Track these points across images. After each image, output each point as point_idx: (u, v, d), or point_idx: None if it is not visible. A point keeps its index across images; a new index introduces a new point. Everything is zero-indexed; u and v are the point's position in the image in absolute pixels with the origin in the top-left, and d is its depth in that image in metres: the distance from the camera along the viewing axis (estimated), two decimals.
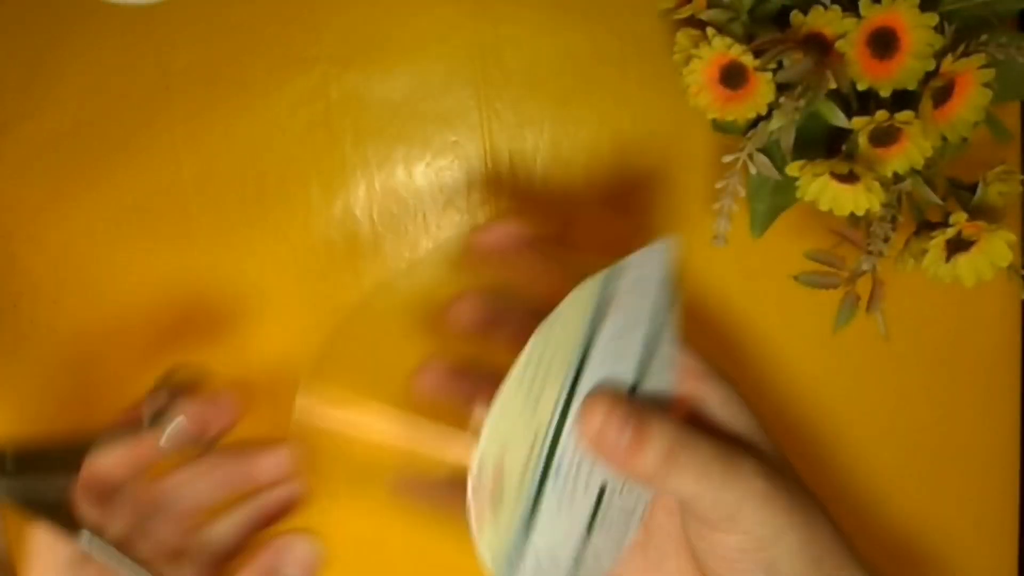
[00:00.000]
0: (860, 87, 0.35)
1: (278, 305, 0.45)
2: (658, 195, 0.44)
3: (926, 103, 0.34)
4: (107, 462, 0.33)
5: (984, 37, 0.34)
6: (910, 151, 0.35)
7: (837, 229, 0.41)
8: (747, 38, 0.37)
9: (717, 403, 0.32)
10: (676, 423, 0.30)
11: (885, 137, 0.35)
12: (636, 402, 0.30)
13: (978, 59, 0.34)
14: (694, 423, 0.31)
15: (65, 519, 0.30)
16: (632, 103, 0.43)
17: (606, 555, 0.32)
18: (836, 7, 0.35)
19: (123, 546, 0.31)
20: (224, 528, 0.36)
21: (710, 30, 0.36)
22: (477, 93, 0.43)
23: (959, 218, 0.36)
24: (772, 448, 0.32)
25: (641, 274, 0.31)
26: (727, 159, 0.38)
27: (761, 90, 0.36)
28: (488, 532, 0.28)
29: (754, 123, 0.37)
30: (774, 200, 0.40)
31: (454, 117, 0.44)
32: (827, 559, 0.30)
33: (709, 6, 0.37)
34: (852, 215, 0.37)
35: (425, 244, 0.44)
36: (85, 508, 0.32)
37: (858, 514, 0.46)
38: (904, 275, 0.38)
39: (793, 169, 0.36)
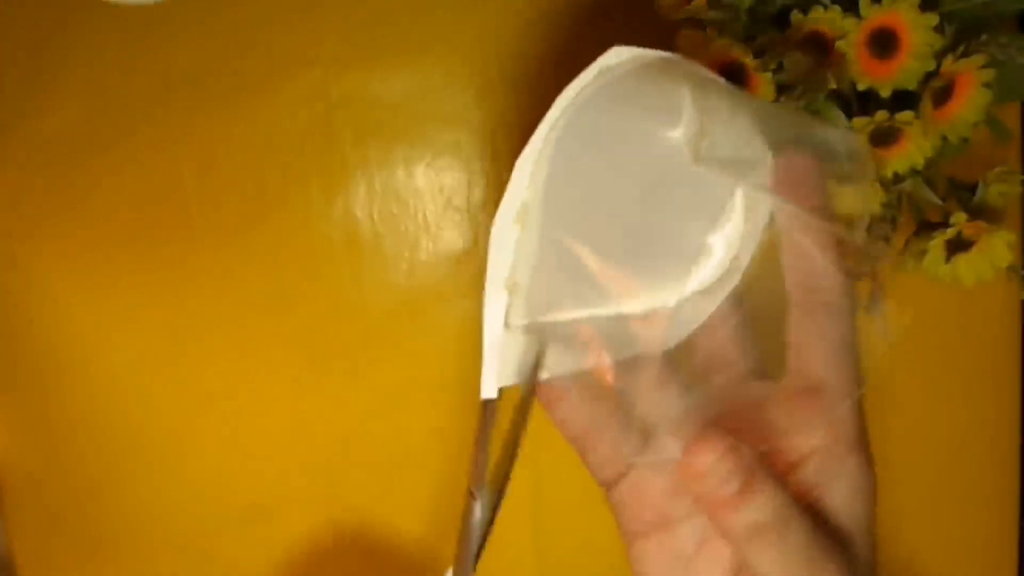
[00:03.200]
0: (860, 87, 0.35)
1: (277, 305, 0.45)
2: None
3: (926, 103, 0.34)
4: None
5: (984, 37, 0.34)
6: (910, 151, 0.35)
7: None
8: (747, 38, 0.37)
9: (843, 489, 0.29)
10: (784, 495, 0.28)
11: (885, 137, 0.35)
12: (751, 456, 0.28)
13: (978, 59, 0.34)
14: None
15: None
16: None
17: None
18: (836, 7, 0.35)
19: None
20: None
21: (710, 30, 0.36)
22: (477, 93, 0.43)
23: (959, 218, 0.36)
24: (868, 555, 0.30)
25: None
26: None
27: (761, 90, 0.36)
28: None
29: None
30: None
31: (454, 117, 0.44)
32: None
33: (709, 6, 0.37)
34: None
35: (425, 244, 0.44)
36: None
37: None
38: (904, 275, 0.38)
39: None
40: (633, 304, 0.31)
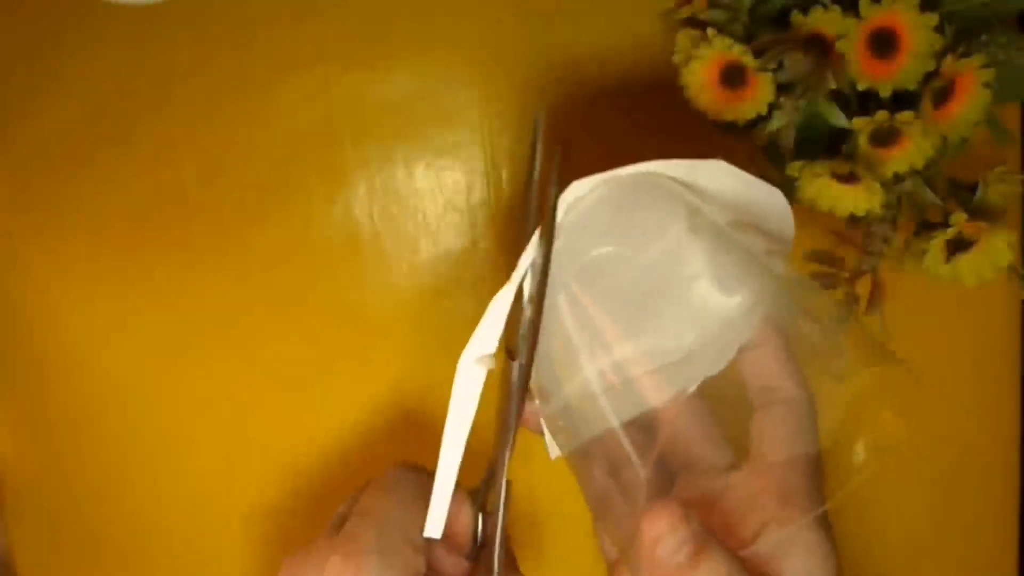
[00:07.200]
0: (860, 87, 0.35)
1: (277, 305, 0.45)
2: None
3: (926, 103, 0.34)
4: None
5: (984, 37, 0.34)
6: (910, 151, 0.35)
7: (837, 229, 0.41)
8: (747, 38, 0.37)
9: (799, 561, 0.31)
10: (733, 562, 0.29)
11: (885, 137, 0.35)
12: (700, 524, 0.30)
13: (978, 59, 0.34)
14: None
15: None
16: (632, 103, 0.43)
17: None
18: (836, 7, 0.35)
19: None
20: None
21: (710, 30, 0.36)
22: (477, 93, 0.43)
23: (959, 218, 0.36)
24: None
25: None
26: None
27: (761, 90, 0.36)
28: None
29: (754, 123, 0.37)
30: None
31: (454, 117, 0.44)
32: None
33: (709, 6, 0.37)
34: (852, 215, 0.37)
35: (425, 244, 0.44)
36: None
37: (858, 514, 0.46)
38: (904, 275, 0.38)
39: (793, 169, 0.36)
40: (639, 360, 0.32)
